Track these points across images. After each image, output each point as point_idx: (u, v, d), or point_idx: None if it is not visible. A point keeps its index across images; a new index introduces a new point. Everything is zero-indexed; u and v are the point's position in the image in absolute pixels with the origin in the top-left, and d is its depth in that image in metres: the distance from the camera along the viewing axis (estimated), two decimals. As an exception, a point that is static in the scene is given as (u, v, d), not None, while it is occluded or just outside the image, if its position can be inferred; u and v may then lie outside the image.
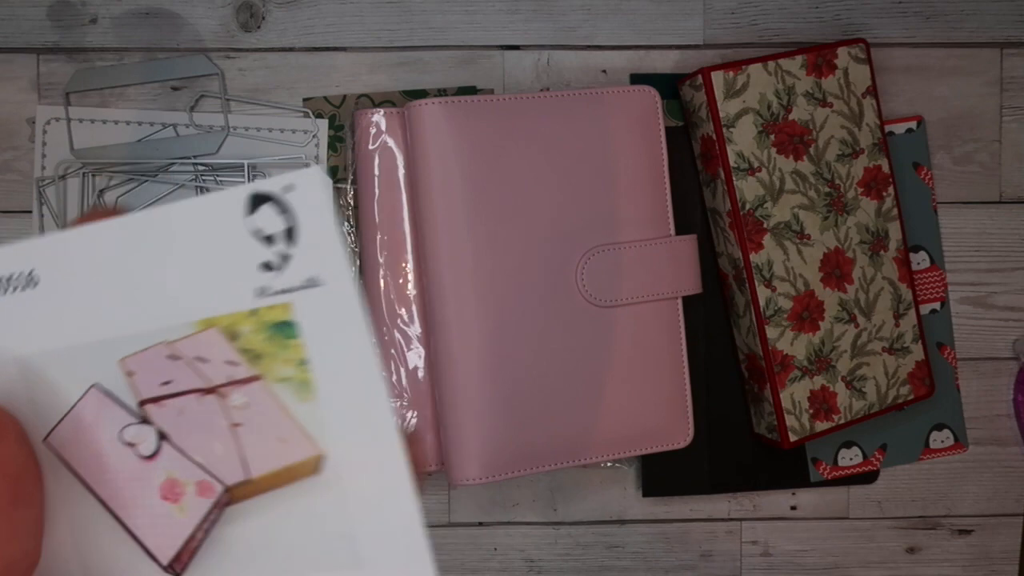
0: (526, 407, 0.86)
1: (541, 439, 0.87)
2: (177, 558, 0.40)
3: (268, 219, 0.39)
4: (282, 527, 0.40)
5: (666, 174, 0.91)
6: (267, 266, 0.39)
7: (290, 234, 0.39)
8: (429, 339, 0.88)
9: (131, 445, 0.40)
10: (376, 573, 0.41)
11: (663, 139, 0.90)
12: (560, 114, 0.88)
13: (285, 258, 0.39)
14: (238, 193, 0.39)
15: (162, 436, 0.40)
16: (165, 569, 0.40)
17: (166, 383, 0.40)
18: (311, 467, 0.40)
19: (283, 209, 0.38)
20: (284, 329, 0.40)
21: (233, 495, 0.40)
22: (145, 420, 0.40)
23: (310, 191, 0.38)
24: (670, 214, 0.91)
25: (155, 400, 0.40)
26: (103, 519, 0.41)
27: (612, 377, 0.88)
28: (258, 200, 0.38)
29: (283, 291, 0.40)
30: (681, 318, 0.91)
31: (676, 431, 0.91)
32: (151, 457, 0.40)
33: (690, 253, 0.91)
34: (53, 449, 0.41)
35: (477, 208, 0.85)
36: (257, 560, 0.40)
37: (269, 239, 0.39)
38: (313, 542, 0.41)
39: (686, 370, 0.91)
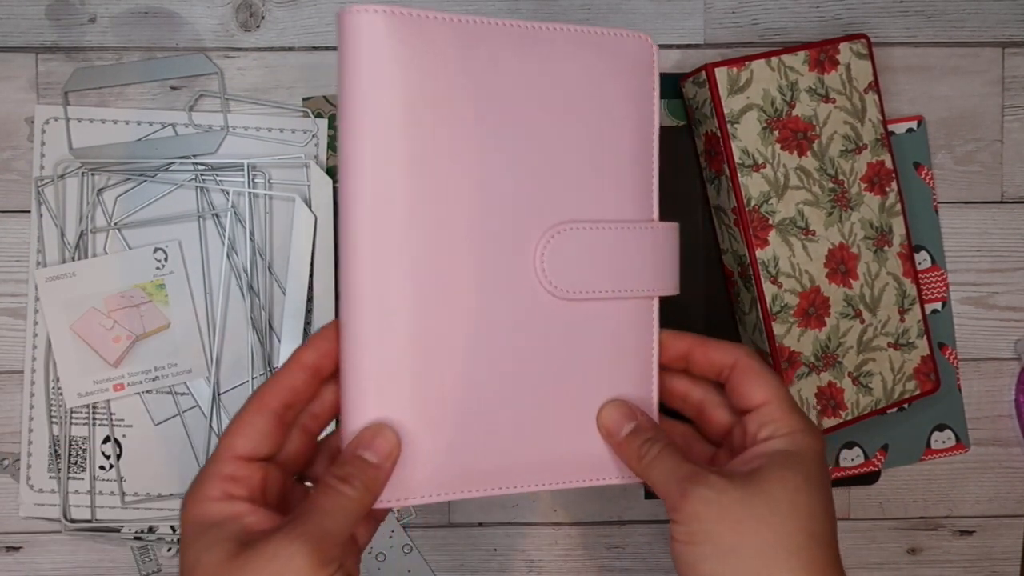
0: (462, 423, 0.66)
1: (485, 460, 0.67)
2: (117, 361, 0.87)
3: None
4: (153, 343, 0.88)
5: (655, 144, 0.71)
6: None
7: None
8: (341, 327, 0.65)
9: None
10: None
11: (656, 100, 0.71)
12: (535, 50, 0.67)
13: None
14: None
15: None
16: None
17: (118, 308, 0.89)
18: (166, 326, 0.88)
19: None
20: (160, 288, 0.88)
21: (138, 338, 0.88)
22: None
23: None
24: (655, 195, 0.71)
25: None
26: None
27: (572, 389, 0.68)
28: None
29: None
30: (656, 324, 0.71)
31: None
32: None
33: (672, 244, 0.72)
34: (77, 332, 0.90)
35: (415, 156, 0.63)
36: (151, 358, 0.88)
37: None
38: (167, 349, 0.88)
39: (655, 386, 0.72)
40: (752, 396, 0.67)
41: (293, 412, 0.65)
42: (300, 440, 0.66)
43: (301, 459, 0.66)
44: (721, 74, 0.85)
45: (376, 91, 0.63)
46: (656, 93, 0.71)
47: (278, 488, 0.64)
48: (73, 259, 0.89)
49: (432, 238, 0.64)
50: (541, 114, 0.67)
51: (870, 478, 0.96)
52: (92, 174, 0.89)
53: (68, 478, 0.89)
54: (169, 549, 0.90)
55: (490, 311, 0.66)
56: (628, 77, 0.70)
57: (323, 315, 0.90)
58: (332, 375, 0.65)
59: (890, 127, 0.94)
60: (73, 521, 0.89)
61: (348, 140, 0.63)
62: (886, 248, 0.90)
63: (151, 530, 0.90)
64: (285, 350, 0.90)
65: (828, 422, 0.88)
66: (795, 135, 0.86)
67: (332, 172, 0.90)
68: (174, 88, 0.91)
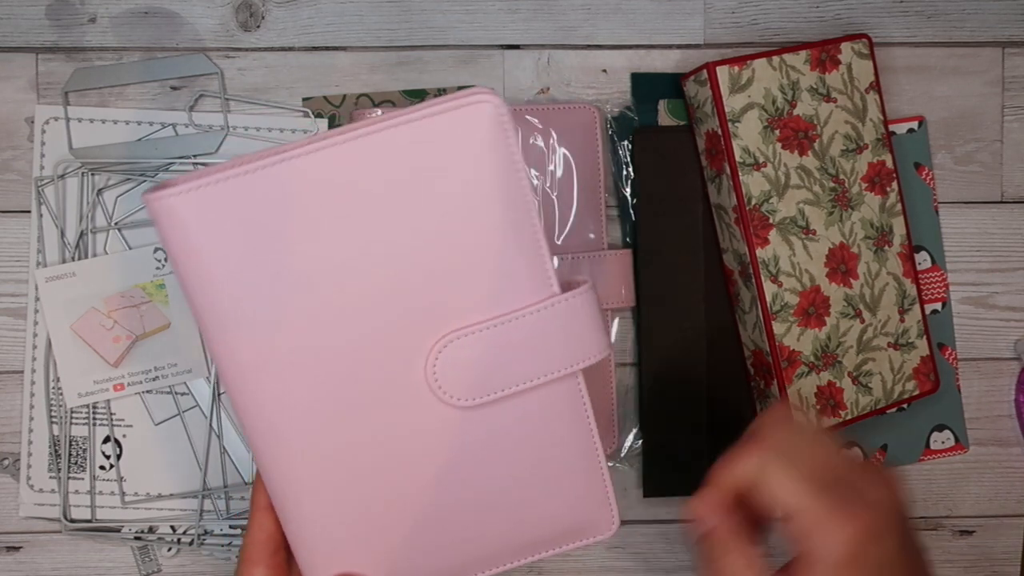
0: (393, 543, 0.65)
1: (423, 567, 0.66)
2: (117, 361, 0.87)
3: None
4: (153, 343, 0.87)
5: (534, 212, 0.63)
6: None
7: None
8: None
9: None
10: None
11: (520, 162, 0.62)
12: (368, 163, 0.60)
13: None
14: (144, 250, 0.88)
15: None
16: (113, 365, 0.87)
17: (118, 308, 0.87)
18: (166, 326, 0.87)
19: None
20: (160, 288, 0.88)
21: (138, 338, 0.87)
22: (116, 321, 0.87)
23: None
24: (549, 266, 0.63)
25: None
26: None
27: (499, 483, 0.65)
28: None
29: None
30: (583, 392, 0.66)
31: (598, 522, 0.69)
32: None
33: (584, 311, 0.64)
34: (78, 332, 0.87)
35: (271, 318, 0.60)
36: (151, 358, 0.88)
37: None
38: (167, 349, 0.87)
39: (599, 451, 0.68)
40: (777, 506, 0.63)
41: (283, 550, 0.65)
42: None
43: None
44: (722, 73, 0.83)
45: (207, 268, 0.60)
46: (518, 151, 0.62)
47: None
48: (73, 259, 0.87)
49: (318, 389, 0.61)
50: (393, 227, 0.61)
51: (870, 478, 0.94)
52: (92, 174, 0.88)
53: (68, 478, 0.88)
54: (169, 549, 0.89)
55: (395, 441, 0.63)
56: (477, 152, 0.61)
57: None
58: None
59: (891, 127, 0.92)
60: (73, 521, 0.88)
61: (199, 319, 0.61)
62: (886, 248, 0.88)
63: (151, 530, 0.88)
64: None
65: (827, 422, 0.87)
66: (796, 134, 0.85)
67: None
68: (174, 88, 0.89)
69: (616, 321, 0.91)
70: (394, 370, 0.62)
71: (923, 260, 0.94)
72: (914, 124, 0.93)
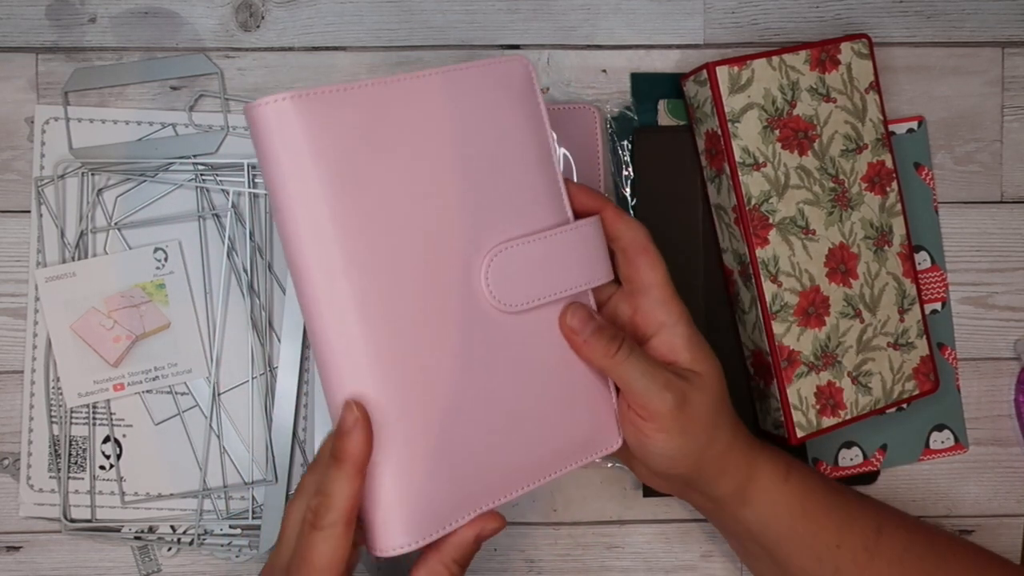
0: (448, 448, 0.68)
1: (471, 477, 0.70)
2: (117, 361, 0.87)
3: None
4: (153, 343, 0.87)
5: (553, 151, 0.76)
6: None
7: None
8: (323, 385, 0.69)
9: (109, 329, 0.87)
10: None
11: (544, 113, 0.76)
12: (432, 97, 0.70)
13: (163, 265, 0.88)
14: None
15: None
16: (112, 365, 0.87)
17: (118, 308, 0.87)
18: (166, 326, 0.87)
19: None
20: (160, 287, 0.87)
21: (138, 338, 0.86)
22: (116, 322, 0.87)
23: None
24: (565, 197, 0.76)
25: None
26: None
27: (534, 391, 0.73)
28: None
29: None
30: (595, 310, 0.76)
31: (606, 437, 0.77)
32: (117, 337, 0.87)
33: (596, 238, 0.76)
34: (77, 332, 0.87)
35: (350, 222, 0.66)
36: (151, 358, 0.87)
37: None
38: (167, 349, 0.87)
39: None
40: (643, 276, 0.77)
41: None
42: None
43: None
44: (722, 73, 0.83)
45: (298, 174, 0.65)
46: (543, 108, 0.76)
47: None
48: (73, 259, 0.87)
49: (386, 289, 0.67)
50: (452, 151, 0.70)
51: (869, 478, 0.94)
52: (92, 174, 0.88)
53: (68, 478, 0.88)
54: (169, 549, 0.88)
55: (452, 341, 0.69)
56: (516, 100, 0.75)
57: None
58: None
59: (891, 127, 0.92)
60: (73, 521, 0.88)
61: (283, 220, 0.66)
62: (886, 248, 0.88)
63: (151, 530, 0.88)
64: (285, 350, 0.88)
65: (827, 421, 0.86)
66: (796, 134, 0.85)
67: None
68: (174, 88, 0.89)
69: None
70: (456, 276, 0.70)
71: (923, 260, 0.94)
72: (914, 124, 0.93)
